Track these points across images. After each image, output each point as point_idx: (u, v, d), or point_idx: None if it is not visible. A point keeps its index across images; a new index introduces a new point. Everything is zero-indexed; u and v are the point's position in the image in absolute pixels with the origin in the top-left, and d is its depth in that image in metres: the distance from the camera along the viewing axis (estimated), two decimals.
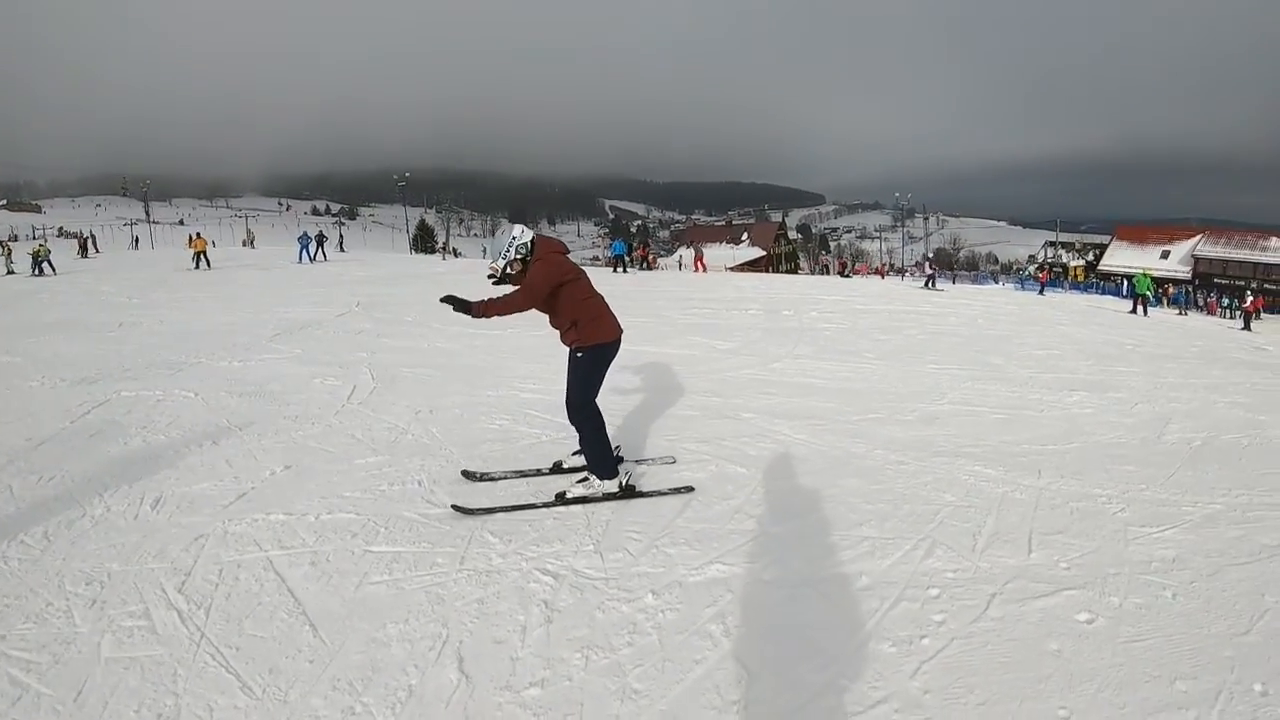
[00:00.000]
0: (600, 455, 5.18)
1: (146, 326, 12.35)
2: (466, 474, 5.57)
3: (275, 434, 6.29)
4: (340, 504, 4.90)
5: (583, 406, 5.12)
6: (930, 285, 35.61)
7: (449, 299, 4.90)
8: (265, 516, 4.67)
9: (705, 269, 39.77)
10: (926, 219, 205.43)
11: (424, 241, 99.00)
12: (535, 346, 10.81)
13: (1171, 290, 52.15)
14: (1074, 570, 4.46)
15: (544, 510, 4.93)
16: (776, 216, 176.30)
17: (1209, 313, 41.27)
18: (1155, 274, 58.38)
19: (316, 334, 11.36)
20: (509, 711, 3.05)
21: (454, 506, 4.93)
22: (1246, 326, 31.63)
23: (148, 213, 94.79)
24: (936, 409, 8.29)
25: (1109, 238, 77.58)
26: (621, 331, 5.25)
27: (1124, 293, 43.24)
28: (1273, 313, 44.50)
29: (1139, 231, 75.11)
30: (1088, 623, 3.90)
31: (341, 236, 37.60)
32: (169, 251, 45.06)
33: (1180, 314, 38.27)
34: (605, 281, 24.39)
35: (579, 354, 5.11)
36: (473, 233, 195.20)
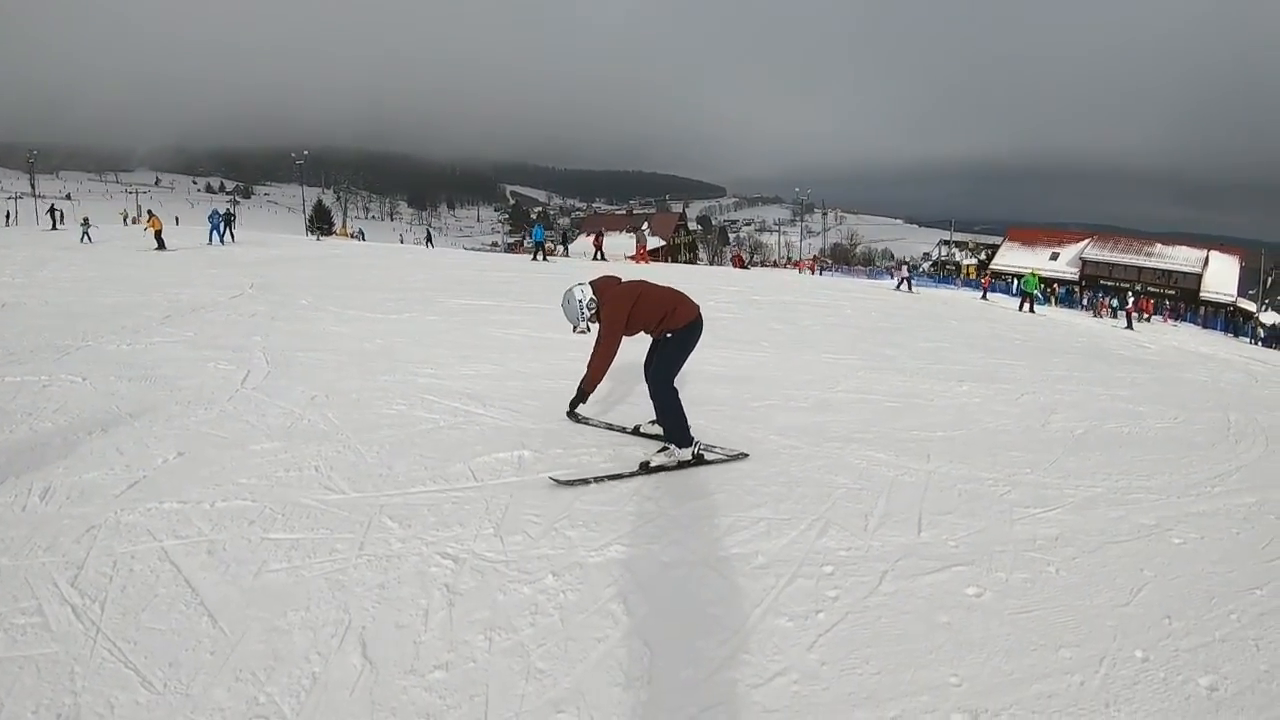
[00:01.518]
0: (678, 427, 5.62)
1: (30, 307, 11.64)
2: (573, 415, 6.37)
3: (167, 420, 6.05)
4: (236, 491, 4.74)
5: (664, 382, 5.62)
6: (905, 288, 36.32)
7: (573, 411, 6.08)
8: (159, 505, 4.48)
9: (647, 259, 39.48)
10: (825, 214, 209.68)
11: (320, 222, 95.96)
12: (429, 331, 10.75)
13: (1058, 289, 54.52)
14: (962, 548, 4.68)
15: (442, 494, 4.89)
16: (678, 207, 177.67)
17: (1097, 313, 43.28)
18: (1044, 274, 61.26)
19: (209, 316, 10.94)
20: (414, 696, 3.02)
21: (551, 478, 5.23)
22: (1129, 326, 33.38)
23: (33, 185, 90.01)
24: (830, 397, 8.54)
25: (1001, 239, 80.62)
26: (698, 309, 5.77)
27: (1013, 291, 45.09)
28: (1162, 315, 47.00)
29: (1030, 234, 78.38)
30: (976, 596, 4.10)
31: (231, 217, 34.91)
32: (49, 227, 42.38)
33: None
34: (527, 270, 24.32)
35: (668, 335, 5.64)
36: (370, 215, 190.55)
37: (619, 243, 64.11)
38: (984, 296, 38.51)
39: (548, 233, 45.31)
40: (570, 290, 5.67)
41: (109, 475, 4.90)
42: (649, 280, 5.85)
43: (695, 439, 5.76)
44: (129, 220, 44.85)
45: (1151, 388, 12.08)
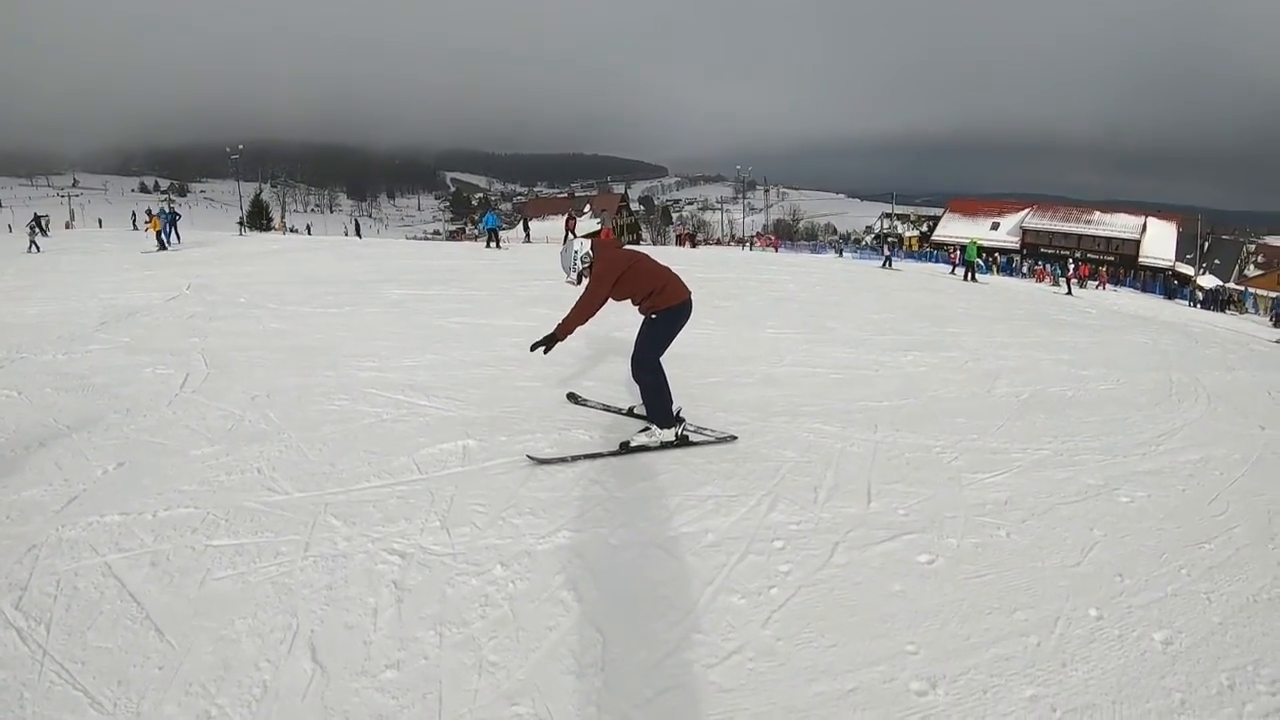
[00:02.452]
0: (660, 407, 5.63)
1: None
2: (571, 396, 6.70)
3: (105, 430, 5.86)
4: (178, 499, 4.61)
5: (647, 363, 5.60)
6: (888, 265, 36.64)
7: (537, 345, 5.51)
8: (100, 519, 4.33)
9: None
10: (767, 191, 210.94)
11: (257, 218, 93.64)
12: (370, 323, 10.58)
13: (999, 258, 55.41)
14: (912, 516, 4.72)
15: (387, 489, 4.82)
16: (620, 188, 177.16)
17: (1037, 279, 44.17)
18: (986, 244, 62.21)
19: (145, 320, 10.62)
20: (367, 697, 2.98)
21: (528, 456, 5.33)
22: (1069, 291, 34.08)
23: None
24: (775, 371, 8.57)
25: (942, 210, 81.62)
26: (689, 293, 5.70)
27: (957, 261, 45.74)
28: (1101, 281, 47.99)
29: (970, 205, 79.46)
30: (928, 563, 4.14)
31: (177, 216, 32.73)
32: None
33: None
34: (478, 256, 24.03)
35: (653, 316, 5.63)
36: (310, 208, 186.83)
37: (558, 226, 63.88)
38: (886, 264, 38.59)
39: (502, 218, 43.74)
40: (571, 241, 5.78)
41: (48, 491, 4.74)
42: (649, 256, 5.80)
43: (683, 420, 5.78)
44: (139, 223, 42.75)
45: (1094, 351, 12.30)
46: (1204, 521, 5.09)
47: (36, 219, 31.57)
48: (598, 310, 5.46)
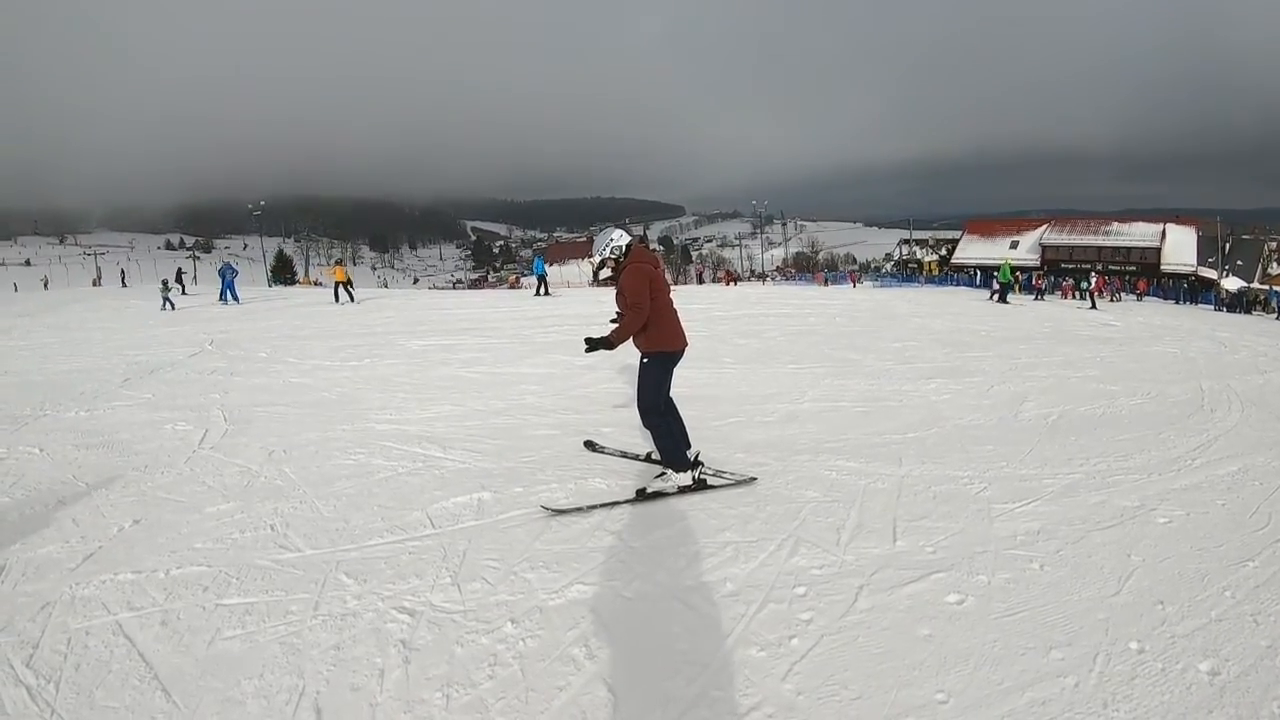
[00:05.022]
0: (671, 449, 5.57)
1: None
2: (589, 444, 6.63)
3: (124, 487, 5.87)
4: (191, 556, 4.59)
5: (652, 406, 5.56)
6: (1000, 298, 34.35)
7: (590, 342, 5.43)
8: (113, 577, 4.33)
9: None
10: (785, 224, 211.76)
11: (283, 273, 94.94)
12: (389, 375, 10.56)
13: (1039, 281, 54.77)
14: (940, 553, 4.55)
15: (400, 545, 4.73)
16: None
17: (1063, 296, 43.66)
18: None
19: (168, 376, 10.69)
20: None
21: (543, 507, 5.27)
22: (1093, 306, 33.66)
23: None
24: (797, 408, 8.43)
25: (960, 233, 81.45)
26: (686, 343, 5.72)
27: (990, 284, 45.24)
28: (1123, 291, 47.47)
29: (987, 225, 79.33)
30: (958, 603, 3.96)
31: (181, 274, 30.77)
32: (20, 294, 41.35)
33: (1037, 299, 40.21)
34: (492, 305, 24.09)
35: (645, 360, 5.58)
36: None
37: (581, 271, 64.11)
38: (997, 297, 37.87)
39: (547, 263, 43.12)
40: (613, 230, 5.80)
41: (64, 548, 4.74)
42: (670, 293, 5.76)
43: (701, 464, 5.70)
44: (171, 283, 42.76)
45: (1121, 365, 12.10)
46: (1246, 537, 4.91)
47: (176, 275, 30.75)
48: (643, 321, 5.44)
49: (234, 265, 29.43)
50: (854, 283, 51.91)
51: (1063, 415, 8.11)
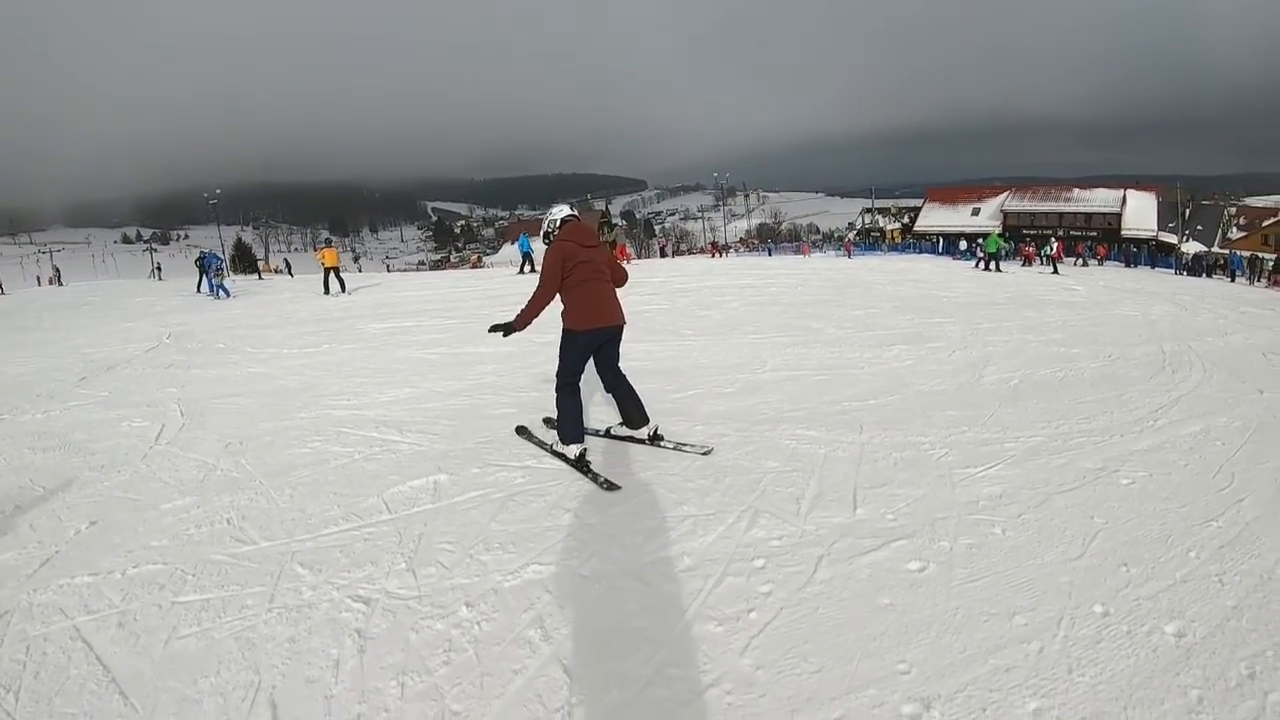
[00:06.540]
0: (561, 422, 5.60)
1: None
2: (547, 421, 6.47)
3: (80, 488, 5.74)
4: (147, 555, 4.51)
5: (558, 379, 5.62)
6: (986, 267, 33.72)
7: (494, 327, 5.68)
8: (71, 580, 4.25)
9: (630, 258, 39.49)
10: (747, 196, 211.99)
11: (242, 261, 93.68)
12: (348, 360, 10.41)
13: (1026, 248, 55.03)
14: (901, 520, 4.52)
15: (355, 532, 4.68)
16: (600, 205, 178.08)
17: (1026, 262, 43.95)
18: (968, 231, 62.45)
19: (125, 373, 10.44)
20: None
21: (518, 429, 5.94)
22: (1055, 270, 34.01)
23: None
24: (757, 378, 8.39)
25: (922, 201, 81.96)
26: (601, 324, 5.59)
27: (973, 254, 45.50)
28: (1082, 256, 48.01)
29: (949, 193, 79.98)
30: (919, 571, 3.92)
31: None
32: None
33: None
34: (455, 285, 23.82)
35: (562, 334, 5.61)
36: (294, 247, 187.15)
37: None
38: (983, 266, 38.00)
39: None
40: (558, 209, 5.85)
41: (21, 555, 4.64)
42: (603, 273, 5.69)
43: (662, 437, 5.91)
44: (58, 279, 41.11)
45: (1083, 328, 12.20)
46: (1209, 497, 4.93)
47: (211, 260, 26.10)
48: (550, 299, 5.55)
49: (217, 255, 26.43)
50: (807, 254, 51.89)
51: (1025, 379, 8.13)
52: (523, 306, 5.58)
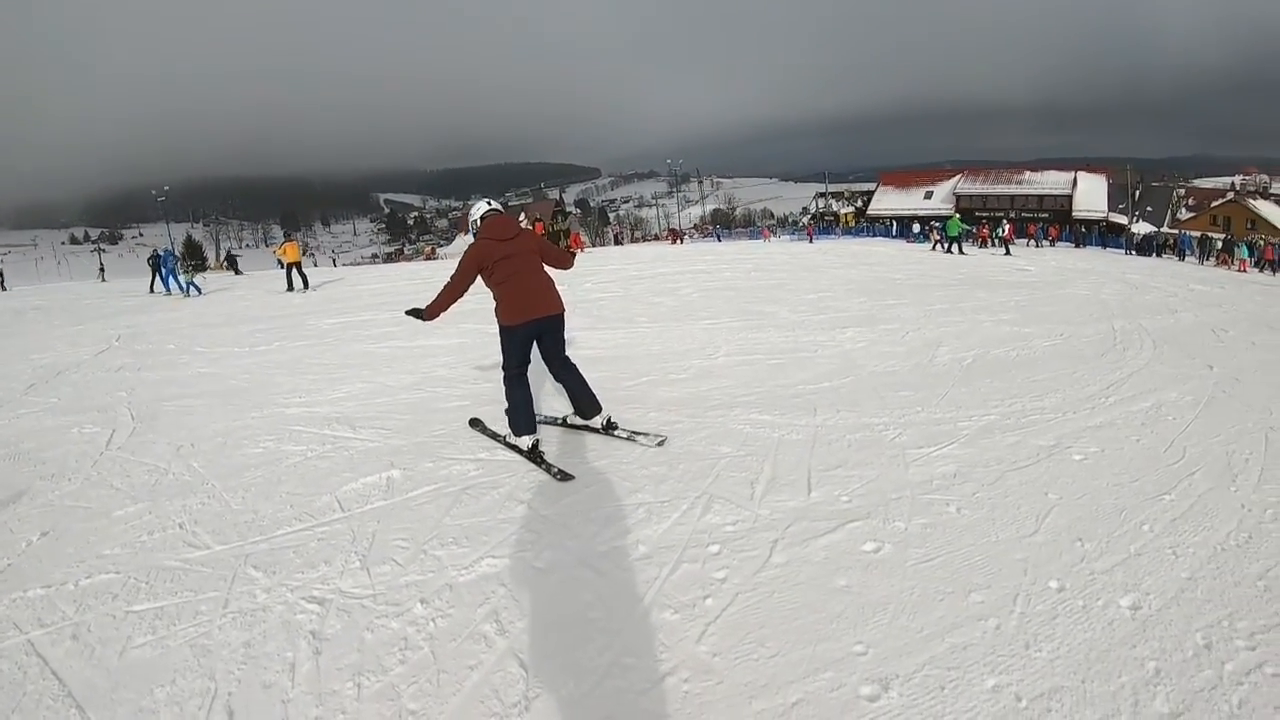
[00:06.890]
0: (510, 413, 5.62)
1: None
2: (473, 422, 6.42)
3: (31, 499, 5.57)
4: (99, 565, 4.40)
5: (503, 372, 5.63)
6: (946, 249, 34.30)
7: (410, 311, 5.81)
8: (23, 594, 4.14)
9: (583, 247, 39.30)
10: (701, 182, 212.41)
11: (192, 258, 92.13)
12: (300, 357, 10.23)
13: (937, 225, 55.90)
14: (855, 501, 4.52)
15: (309, 532, 4.61)
16: (554, 194, 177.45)
17: (981, 244, 44.42)
18: (921, 214, 63.06)
19: (74, 378, 10.17)
20: None
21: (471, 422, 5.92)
22: (1007, 252, 34.39)
23: None
24: (710, 364, 8.37)
25: (875, 185, 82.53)
26: (532, 316, 5.54)
27: (926, 237, 45.95)
28: (1034, 238, 48.65)
29: (902, 177, 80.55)
30: (874, 552, 3.92)
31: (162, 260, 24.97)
32: None
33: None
34: (408, 278, 23.44)
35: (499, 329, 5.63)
36: (245, 244, 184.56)
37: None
38: (940, 248, 38.31)
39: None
40: (478, 207, 5.88)
41: None
42: (530, 262, 5.64)
43: (616, 425, 5.86)
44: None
45: (1035, 308, 12.35)
46: (1162, 471, 4.99)
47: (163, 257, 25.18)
48: (459, 296, 5.62)
49: (174, 252, 26.17)
50: (768, 238, 52.51)
51: (978, 358, 8.19)
52: (436, 297, 5.65)
